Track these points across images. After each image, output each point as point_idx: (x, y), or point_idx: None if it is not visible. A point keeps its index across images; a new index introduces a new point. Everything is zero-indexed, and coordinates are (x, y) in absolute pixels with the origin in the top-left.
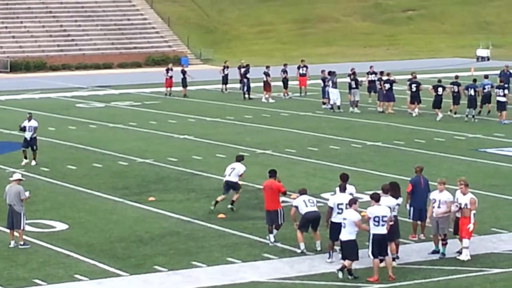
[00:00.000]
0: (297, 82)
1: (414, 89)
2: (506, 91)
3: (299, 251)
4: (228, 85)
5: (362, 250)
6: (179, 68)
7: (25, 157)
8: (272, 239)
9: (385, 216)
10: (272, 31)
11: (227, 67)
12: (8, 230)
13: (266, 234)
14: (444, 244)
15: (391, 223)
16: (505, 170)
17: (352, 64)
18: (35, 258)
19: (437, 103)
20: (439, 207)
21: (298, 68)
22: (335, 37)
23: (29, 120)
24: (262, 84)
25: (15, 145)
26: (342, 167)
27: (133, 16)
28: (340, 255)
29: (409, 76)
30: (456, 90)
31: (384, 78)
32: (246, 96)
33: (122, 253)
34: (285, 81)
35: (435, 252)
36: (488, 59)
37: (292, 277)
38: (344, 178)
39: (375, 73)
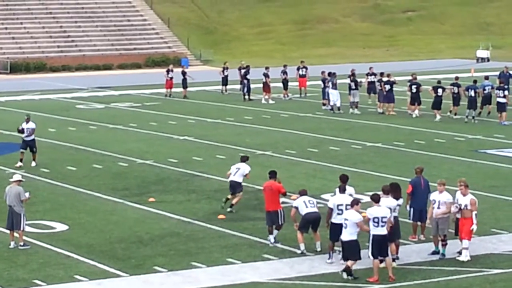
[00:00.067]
0: (297, 83)
1: (414, 90)
2: (506, 92)
3: (299, 251)
4: (228, 86)
5: (362, 251)
6: (180, 69)
7: (21, 160)
8: (272, 240)
9: (385, 217)
10: (272, 32)
11: (227, 68)
12: (8, 231)
13: (266, 235)
14: (444, 245)
15: (390, 224)
16: (505, 171)
17: (351, 65)
18: (35, 259)
19: (436, 104)
20: (438, 208)
21: (298, 69)
22: (334, 38)
23: (27, 122)
24: (261, 85)
25: (15, 146)
26: (342, 168)
27: (133, 17)
28: (339, 256)
29: (409, 77)
30: (456, 91)
31: (385, 79)
32: (246, 97)
33: (122, 253)
34: (285, 82)
35: (435, 252)
36: (488, 60)
37: (292, 277)
38: (344, 179)
39: (375, 74)
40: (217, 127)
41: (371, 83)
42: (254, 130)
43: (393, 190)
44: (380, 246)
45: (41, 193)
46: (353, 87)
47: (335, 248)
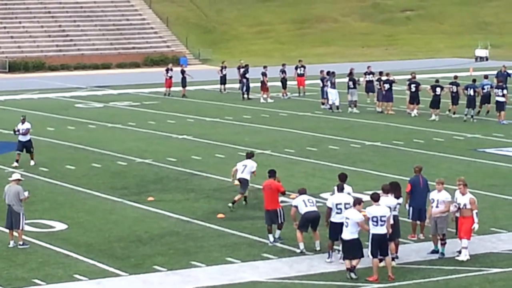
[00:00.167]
0: (295, 83)
1: (413, 89)
2: (505, 91)
3: (298, 251)
4: (226, 85)
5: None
6: (179, 68)
7: (17, 161)
8: (272, 239)
9: (384, 216)
10: (271, 31)
11: (225, 67)
12: (7, 230)
13: (266, 234)
14: (443, 244)
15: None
16: (504, 170)
17: (350, 64)
18: (34, 258)
19: (435, 103)
20: (437, 206)
21: (296, 68)
22: (333, 37)
23: (23, 122)
24: (259, 84)
25: (14, 145)
26: (341, 167)
27: (132, 16)
28: (339, 255)
29: (408, 76)
30: (455, 90)
31: (384, 78)
32: (245, 96)
33: (121, 253)
34: (283, 81)
35: (434, 252)
36: (487, 59)
37: (291, 277)
38: (343, 178)
39: (373, 73)
40: (216, 126)
41: (369, 82)
42: (253, 129)
43: (393, 189)
44: (380, 245)
45: (40, 192)
46: (351, 86)
47: (335, 247)
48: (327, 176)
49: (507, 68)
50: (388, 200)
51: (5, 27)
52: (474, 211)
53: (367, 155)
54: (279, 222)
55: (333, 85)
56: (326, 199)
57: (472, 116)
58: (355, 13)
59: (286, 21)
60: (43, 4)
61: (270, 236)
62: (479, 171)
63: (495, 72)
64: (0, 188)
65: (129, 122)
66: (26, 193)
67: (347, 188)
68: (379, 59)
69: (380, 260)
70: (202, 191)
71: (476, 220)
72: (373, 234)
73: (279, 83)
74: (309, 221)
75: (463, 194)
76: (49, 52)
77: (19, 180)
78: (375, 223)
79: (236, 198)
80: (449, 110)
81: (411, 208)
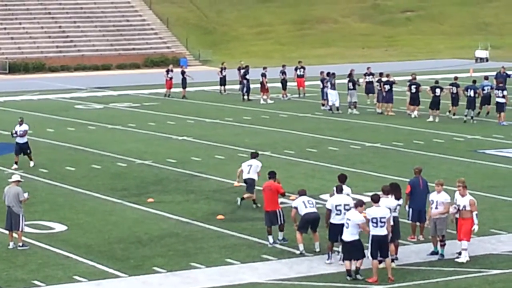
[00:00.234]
0: (295, 84)
1: (413, 90)
2: (505, 92)
3: (298, 252)
4: (227, 86)
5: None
6: (179, 69)
7: (16, 163)
8: (271, 240)
9: (384, 217)
10: (271, 32)
11: (225, 68)
12: (7, 232)
13: (265, 235)
14: (443, 245)
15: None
16: (504, 171)
17: (350, 65)
18: (34, 260)
19: (434, 104)
20: (436, 208)
21: (296, 69)
22: (333, 38)
23: (20, 124)
24: (259, 85)
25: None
26: (341, 169)
27: (132, 17)
28: (338, 257)
29: (408, 77)
30: (455, 91)
31: (384, 79)
32: (245, 97)
33: (121, 254)
34: (283, 82)
35: (434, 253)
36: (487, 60)
37: (291, 278)
38: (342, 179)
39: (372, 74)
40: (216, 127)
41: (369, 83)
42: (253, 130)
43: (393, 190)
44: (380, 247)
45: (39, 194)
46: (351, 87)
47: (334, 248)
48: (327, 178)
49: (506, 69)
50: (388, 201)
51: (5, 28)
52: (474, 213)
53: (367, 156)
54: (279, 223)
55: (333, 86)
56: (325, 201)
57: (472, 117)
58: (355, 14)
59: (286, 22)
60: (43, 5)
61: (270, 237)
62: (479, 172)
63: (495, 73)
64: (0, 190)
65: (129, 123)
66: (26, 195)
67: (346, 189)
68: (379, 60)
69: (380, 262)
70: (202, 193)
71: (476, 221)
72: (373, 236)
73: (279, 84)
74: (309, 222)
75: (462, 195)
76: (49, 53)
77: (19, 181)
78: (374, 224)
79: (245, 195)
80: (449, 111)
81: (411, 210)
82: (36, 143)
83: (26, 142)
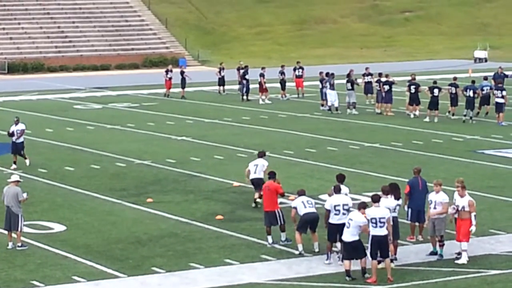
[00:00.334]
0: (294, 84)
1: (413, 90)
2: (504, 93)
3: (297, 252)
4: (226, 87)
5: None
6: (179, 70)
7: (14, 162)
8: (270, 241)
9: (383, 218)
10: (270, 32)
11: (223, 68)
12: (5, 232)
13: (264, 235)
14: (441, 246)
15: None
16: (503, 172)
17: (349, 65)
18: (32, 260)
19: (433, 104)
20: (435, 208)
21: (294, 69)
22: (332, 38)
23: (16, 124)
24: (258, 85)
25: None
26: (340, 169)
27: (131, 17)
28: (337, 257)
29: (406, 78)
30: (454, 91)
31: (383, 79)
32: (245, 97)
33: (120, 254)
34: (282, 82)
35: (433, 253)
36: (486, 61)
37: (290, 278)
38: (340, 179)
39: (371, 74)
40: (215, 128)
41: (368, 83)
42: (252, 131)
43: (393, 190)
44: (380, 247)
45: (38, 194)
46: (349, 87)
47: (333, 249)
48: (326, 178)
49: (504, 70)
50: (387, 202)
51: (4, 29)
52: (473, 214)
53: (366, 156)
54: (279, 223)
55: (332, 87)
56: (325, 201)
57: (471, 118)
58: (354, 15)
59: (285, 22)
60: (42, 6)
61: (269, 237)
62: (478, 172)
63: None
64: None
65: (128, 123)
66: (24, 195)
67: (344, 189)
68: (378, 60)
69: (379, 262)
70: (201, 193)
71: (474, 222)
72: (373, 236)
73: (278, 85)
74: (308, 223)
75: (461, 196)
76: (48, 53)
77: (18, 181)
78: (374, 225)
79: (256, 196)
80: (449, 112)
81: (410, 210)
82: (35, 143)
83: (22, 142)
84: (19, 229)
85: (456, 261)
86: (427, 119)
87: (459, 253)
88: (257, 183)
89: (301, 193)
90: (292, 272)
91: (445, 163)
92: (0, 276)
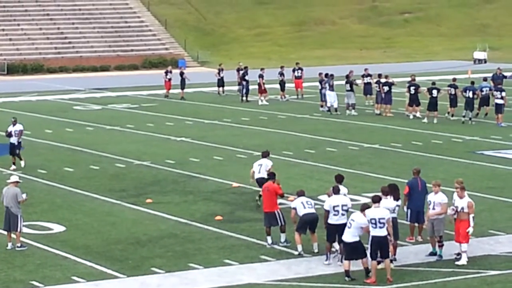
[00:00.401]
0: (293, 85)
1: (413, 91)
2: (503, 94)
3: (296, 253)
4: (225, 88)
5: None
6: (178, 71)
7: (14, 163)
8: (270, 241)
9: (383, 218)
10: (269, 33)
11: (222, 69)
12: (5, 232)
13: (263, 236)
14: (441, 246)
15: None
16: (502, 172)
17: (349, 66)
18: (32, 260)
19: (432, 105)
20: (433, 208)
21: (293, 71)
22: (332, 39)
23: (14, 124)
24: (257, 86)
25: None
26: (339, 170)
27: (130, 18)
28: (337, 258)
29: (406, 79)
30: (453, 92)
31: (383, 80)
32: (244, 98)
33: (119, 255)
34: (282, 83)
35: (432, 254)
36: (485, 62)
37: (289, 279)
38: (339, 179)
39: (370, 75)
40: (214, 128)
41: (367, 84)
42: (251, 132)
43: (392, 191)
44: (380, 247)
45: (38, 194)
46: (348, 88)
47: (332, 249)
48: (325, 178)
49: (503, 71)
50: (387, 202)
51: (3, 30)
52: (471, 215)
53: (365, 157)
54: (280, 224)
55: (331, 88)
56: (324, 202)
57: (470, 119)
58: (353, 16)
59: (285, 24)
60: (41, 7)
61: (269, 238)
62: (477, 173)
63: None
64: None
65: (128, 124)
66: (24, 195)
67: (343, 189)
68: (377, 61)
69: (378, 262)
70: (200, 193)
71: (471, 224)
72: (372, 236)
73: (277, 86)
74: (307, 223)
75: (461, 197)
76: (48, 54)
77: (17, 182)
78: (374, 225)
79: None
80: (448, 113)
81: (409, 210)
82: (35, 144)
83: (20, 143)
84: (18, 230)
85: (456, 263)
86: (425, 120)
87: (459, 254)
88: (262, 183)
89: (300, 193)
90: (292, 273)
91: (445, 164)
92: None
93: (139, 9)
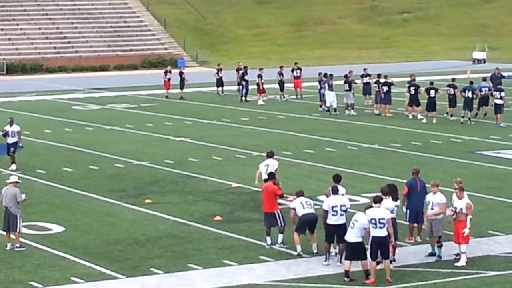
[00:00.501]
0: (292, 85)
1: (412, 91)
2: (502, 94)
3: (295, 253)
4: (224, 88)
5: None
6: (178, 71)
7: (13, 162)
8: (269, 242)
9: (382, 218)
10: (269, 33)
11: (221, 69)
12: (4, 233)
13: (263, 236)
14: (440, 246)
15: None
16: (501, 173)
17: (348, 66)
18: (31, 261)
19: (430, 105)
20: (432, 209)
21: (292, 71)
22: (331, 39)
23: (11, 125)
24: (256, 86)
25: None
26: (338, 170)
27: (130, 18)
28: (336, 258)
29: (405, 79)
30: (452, 92)
31: (382, 80)
32: (243, 98)
33: (118, 255)
34: (281, 83)
35: (431, 254)
36: (485, 62)
37: (288, 279)
38: (337, 179)
39: (369, 75)
40: (214, 128)
41: (366, 84)
42: (251, 132)
43: (391, 191)
44: (380, 248)
45: (37, 194)
46: (347, 88)
47: (332, 249)
48: (324, 179)
49: (501, 71)
50: (386, 203)
51: (2, 29)
52: (469, 216)
53: (365, 157)
54: (279, 225)
55: (330, 88)
56: (323, 202)
57: (469, 119)
58: (353, 16)
59: (284, 24)
60: (40, 6)
61: (268, 238)
62: (476, 173)
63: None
64: None
65: (127, 124)
66: (23, 196)
67: (341, 189)
68: (377, 61)
69: (378, 263)
70: (199, 194)
71: (468, 225)
72: (373, 237)
73: (277, 86)
74: (307, 223)
75: (459, 198)
76: (47, 54)
77: (16, 182)
78: (374, 225)
79: None
80: (447, 113)
81: (408, 211)
82: (34, 144)
83: (16, 142)
84: (17, 230)
85: (455, 264)
86: (424, 120)
87: (458, 255)
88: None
89: (299, 194)
90: (291, 273)
91: (444, 164)
92: None
93: (138, 9)
